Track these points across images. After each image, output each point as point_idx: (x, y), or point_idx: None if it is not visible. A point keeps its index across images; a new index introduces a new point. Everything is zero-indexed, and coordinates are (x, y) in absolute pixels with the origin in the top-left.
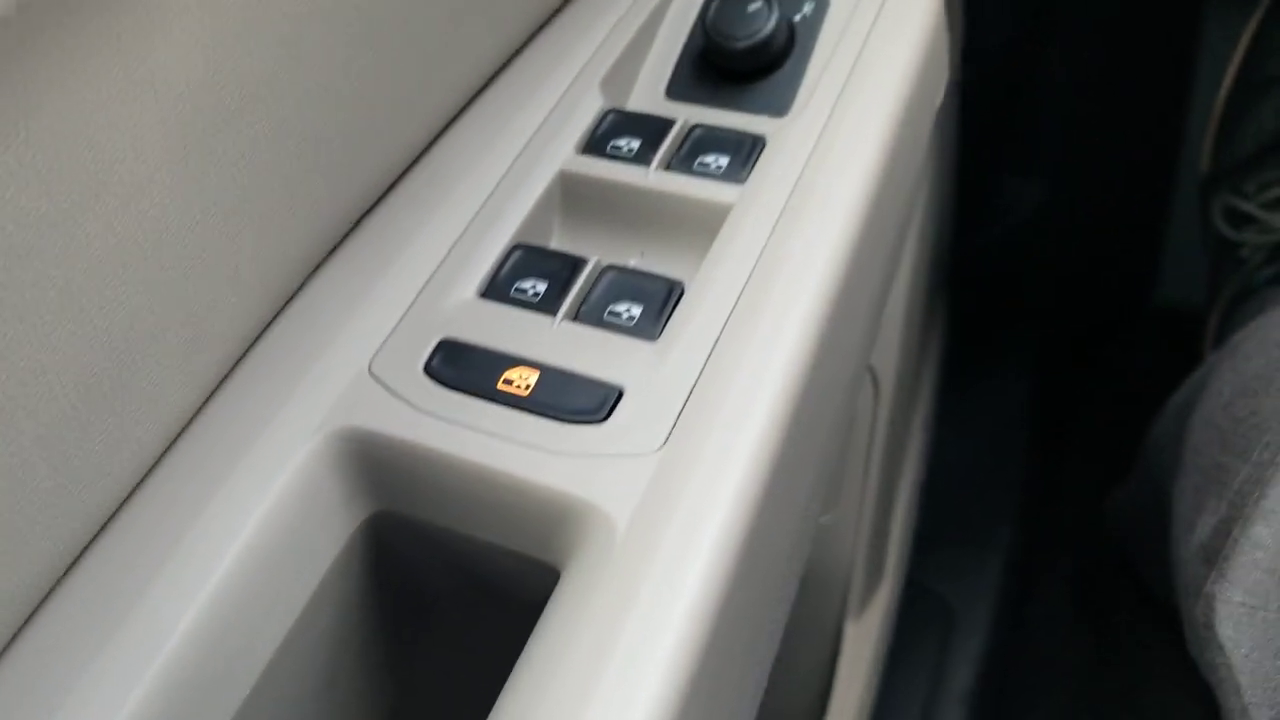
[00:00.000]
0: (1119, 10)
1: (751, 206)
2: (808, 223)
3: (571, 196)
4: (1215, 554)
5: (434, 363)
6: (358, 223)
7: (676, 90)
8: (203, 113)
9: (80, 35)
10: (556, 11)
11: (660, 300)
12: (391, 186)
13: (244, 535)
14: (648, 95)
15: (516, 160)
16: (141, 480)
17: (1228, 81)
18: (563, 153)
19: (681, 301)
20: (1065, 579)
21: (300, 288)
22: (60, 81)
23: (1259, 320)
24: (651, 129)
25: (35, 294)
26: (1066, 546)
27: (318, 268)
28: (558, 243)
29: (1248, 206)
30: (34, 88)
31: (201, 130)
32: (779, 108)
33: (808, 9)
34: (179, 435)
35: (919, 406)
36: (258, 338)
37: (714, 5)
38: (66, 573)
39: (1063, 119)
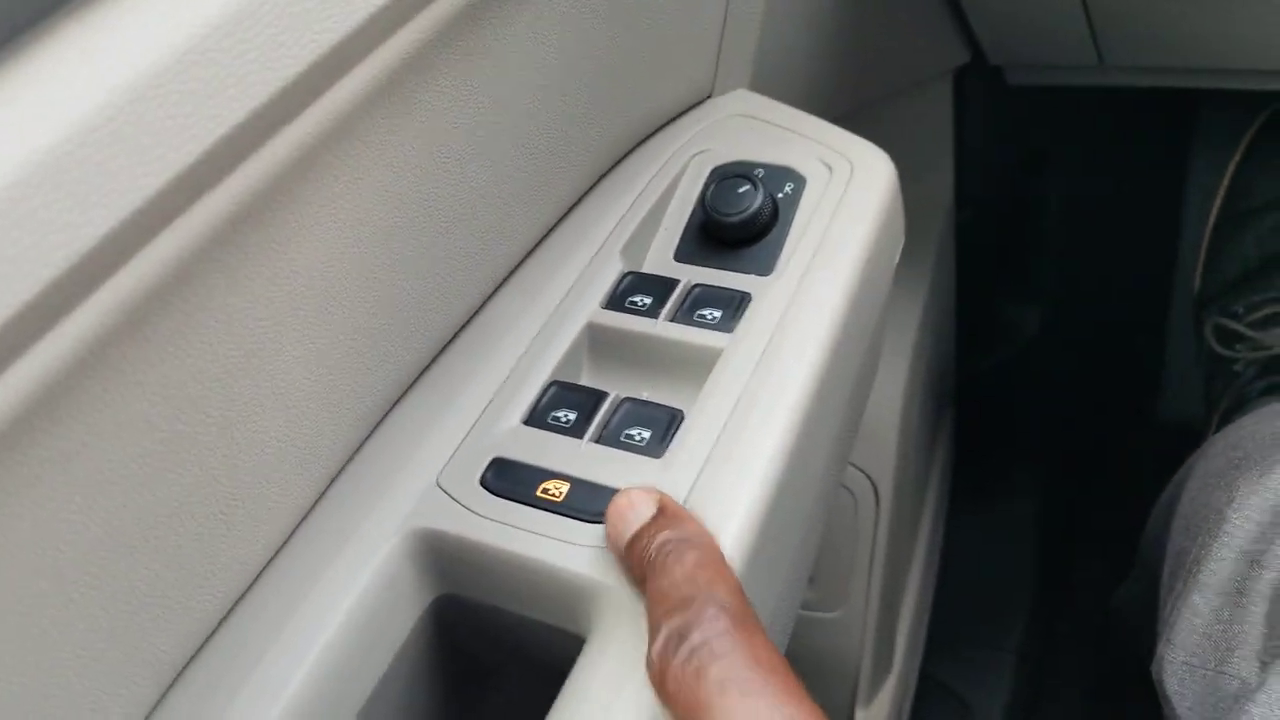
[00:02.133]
0: (1110, 148)
1: (738, 350)
2: (782, 363)
3: (597, 342)
4: (1166, 623)
5: (488, 476)
6: (428, 367)
7: (683, 254)
8: (322, 297)
9: (243, 246)
10: (583, 195)
11: (664, 425)
12: (454, 337)
13: (338, 617)
14: (659, 258)
15: (553, 314)
16: (261, 571)
17: (1214, 213)
18: (590, 308)
19: (681, 427)
20: (1080, 677)
21: (383, 418)
22: (223, 289)
23: (1234, 423)
24: (661, 287)
25: (200, 427)
26: (1081, 645)
27: (397, 402)
28: (586, 379)
29: (1238, 326)
30: (197, 294)
31: (320, 310)
32: (764, 268)
33: (789, 188)
34: (291, 535)
35: (926, 514)
36: (351, 457)
37: (712, 187)
38: (197, 652)
39: (1059, 248)
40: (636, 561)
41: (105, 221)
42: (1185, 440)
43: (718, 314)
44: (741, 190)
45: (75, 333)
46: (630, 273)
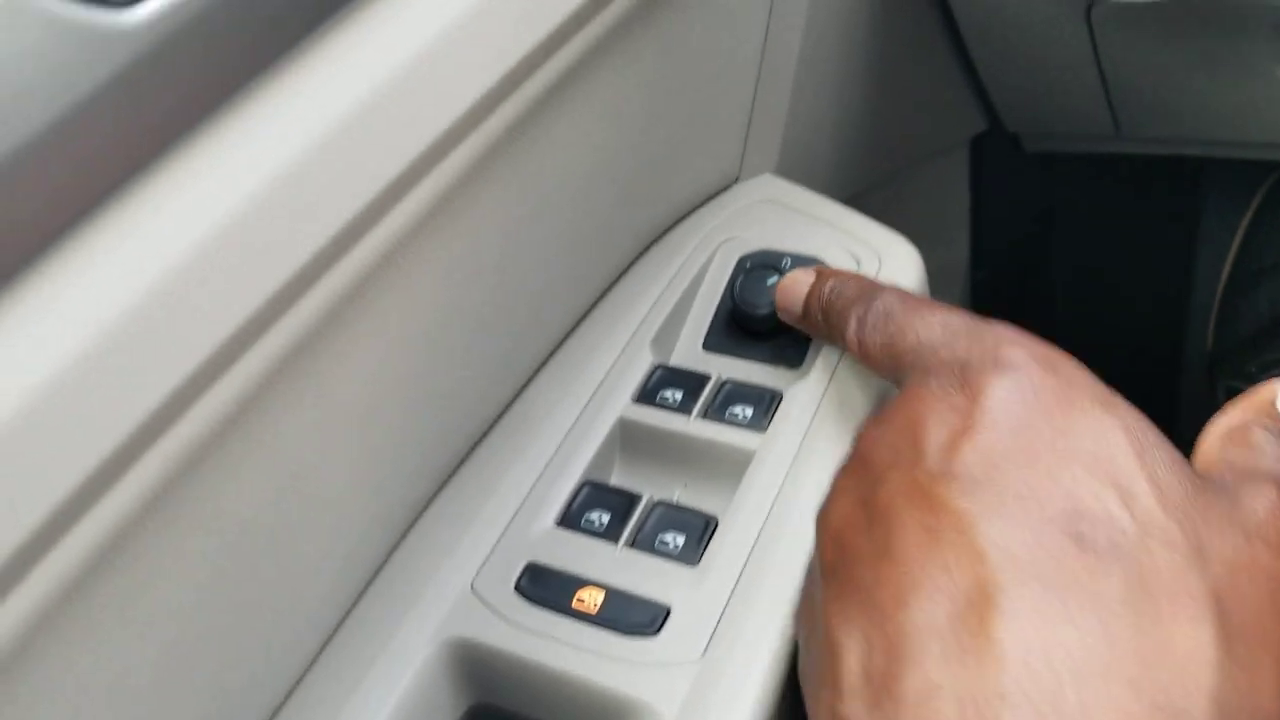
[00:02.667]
0: (1121, 204)
1: (771, 452)
2: (815, 468)
3: (629, 439)
4: None
5: (522, 582)
6: (462, 463)
7: (711, 343)
8: (366, 410)
9: (293, 375)
10: (611, 285)
11: (699, 531)
12: (487, 432)
13: None
14: (688, 349)
15: (585, 409)
16: (299, 679)
17: (1226, 270)
18: (622, 402)
19: (716, 533)
20: None
21: (417, 518)
22: (274, 418)
23: None
24: (692, 382)
25: (250, 550)
26: None
27: (430, 502)
28: (618, 478)
29: (1249, 389)
30: (251, 427)
31: (363, 423)
32: (793, 361)
33: None
34: (328, 641)
35: None
36: (387, 558)
37: (740, 278)
38: None
39: (1071, 304)
40: (815, 313)
41: (175, 377)
42: None
43: (749, 411)
44: (770, 282)
45: (139, 479)
46: (661, 366)
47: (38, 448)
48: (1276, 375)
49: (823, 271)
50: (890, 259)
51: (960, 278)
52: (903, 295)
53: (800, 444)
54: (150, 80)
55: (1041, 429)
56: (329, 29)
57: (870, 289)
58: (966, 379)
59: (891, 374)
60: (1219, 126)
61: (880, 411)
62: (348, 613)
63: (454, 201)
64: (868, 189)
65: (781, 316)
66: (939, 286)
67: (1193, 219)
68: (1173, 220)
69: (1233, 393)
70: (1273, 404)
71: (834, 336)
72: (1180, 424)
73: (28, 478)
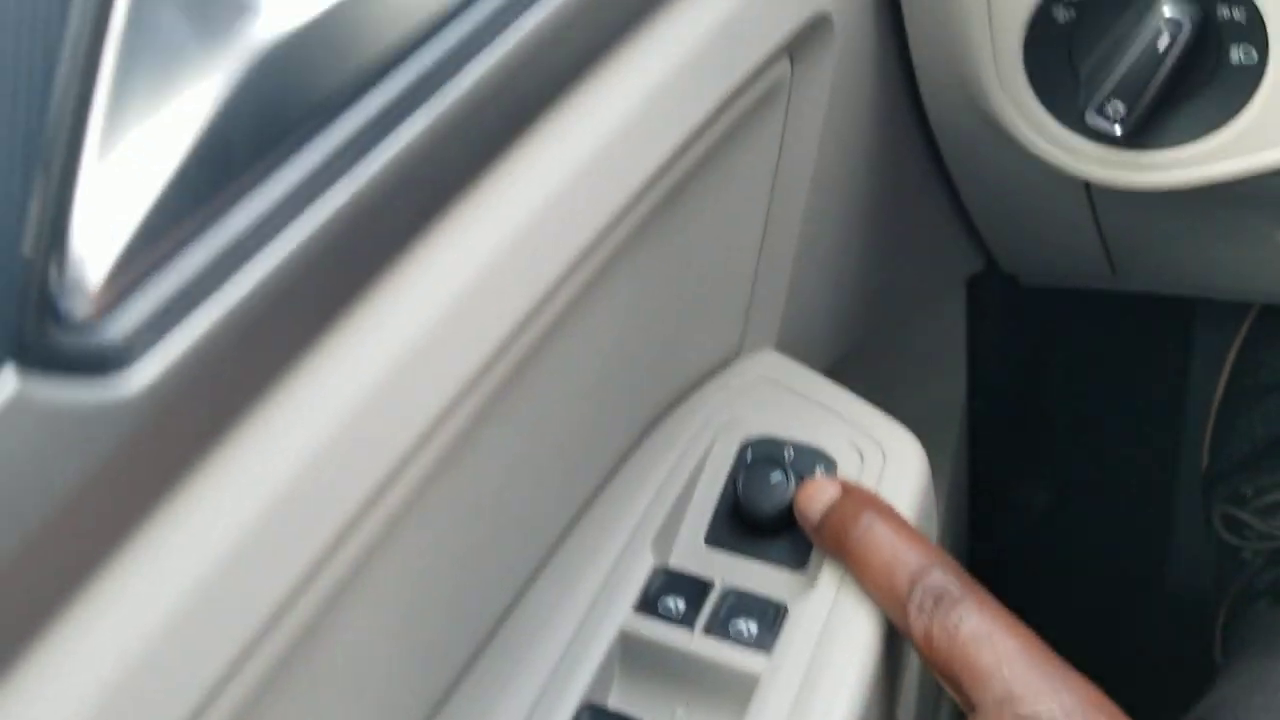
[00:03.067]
0: (1115, 323)
1: (777, 678)
2: (823, 699)
3: (629, 654)
4: None
5: None
6: (451, 692)
7: (714, 538)
8: (346, 675)
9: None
10: (608, 479)
11: None
12: (476, 656)
13: None
14: (690, 545)
15: (583, 623)
16: None
17: (1219, 390)
18: (622, 613)
19: None
20: None
21: None
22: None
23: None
24: (694, 589)
25: None
26: None
27: None
28: (616, 697)
29: (1244, 514)
30: None
31: (356, 685)
32: (799, 562)
33: (820, 471)
34: None
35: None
36: None
37: (742, 473)
38: None
39: (1068, 427)
40: (831, 534)
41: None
42: (1194, 619)
43: (754, 628)
44: (775, 481)
45: None
46: (662, 569)
47: None
48: (1270, 498)
49: (849, 491)
50: (895, 457)
51: (958, 410)
52: (976, 593)
53: (807, 670)
54: (149, 442)
55: None
56: (341, 321)
57: (929, 563)
58: None
59: (952, 676)
60: (1217, 278)
61: None
62: None
63: (456, 455)
64: (868, 338)
65: (799, 519)
66: (938, 420)
67: (1186, 341)
68: (1166, 344)
69: (1229, 520)
70: None
71: (881, 600)
72: (1175, 548)
73: None
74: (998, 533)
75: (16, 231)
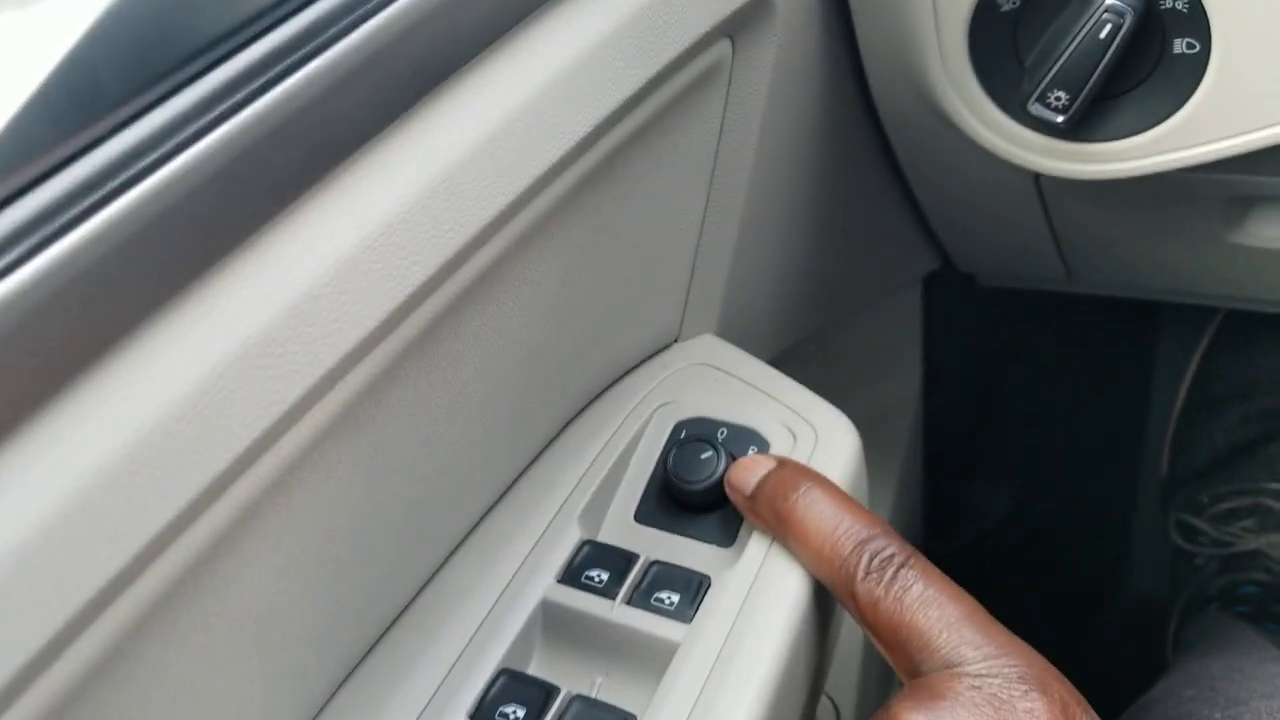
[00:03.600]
0: (1077, 330)
1: (695, 646)
2: (740, 668)
3: (551, 622)
4: None
5: None
6: (373, 648)
7: (643, 514)
8: (260, 623)
9: (175, 606)
10: (538, 455)
11: None
12: (402, 612)
13: None
14: (619, 519)
15: (506, 589)
16: None
17: (1180, 399)
18: (545, 582)
19: None
20: None
21: (319, 713)
22: (156, 648)
23: (1187, 661)
24: (619, 561)
25: None
26: None
27: (334, 694)
28: (537, 664)
29: (1199, 522)
30: (134, 656)
31: (256, 635)
32: (725, 538)
33: (752, 451)
34: None
35: None
36: None
37: (674, 450)
38: None
39: (1026, 430)
40: (766, 502)
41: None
42: (1150, 623)
43: (675, 598)
44: (704, 456)
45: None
46: (588, 542)
47: None
48: (1226, 505)
49: (785, 463)
50: (826, 433)
51: (913, 409)
52: (920, 560)
53: (725, 640)
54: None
55: None
56: (233, 256)
57: (873, 531)
58: (1022, 708)
59: (897, 641)
60: (1168, 280)
61: (926, 699)
62: None
63: (358, 412)
64: (818, 330)
65: (729, 494)
66: (892, 417)
67: (1149, 348)
68: (1129, 349)
69: (1183, 526)
70: None
71: (819, 569)
72: (1133, 555)
73: None
74: (954, 533)
75: None
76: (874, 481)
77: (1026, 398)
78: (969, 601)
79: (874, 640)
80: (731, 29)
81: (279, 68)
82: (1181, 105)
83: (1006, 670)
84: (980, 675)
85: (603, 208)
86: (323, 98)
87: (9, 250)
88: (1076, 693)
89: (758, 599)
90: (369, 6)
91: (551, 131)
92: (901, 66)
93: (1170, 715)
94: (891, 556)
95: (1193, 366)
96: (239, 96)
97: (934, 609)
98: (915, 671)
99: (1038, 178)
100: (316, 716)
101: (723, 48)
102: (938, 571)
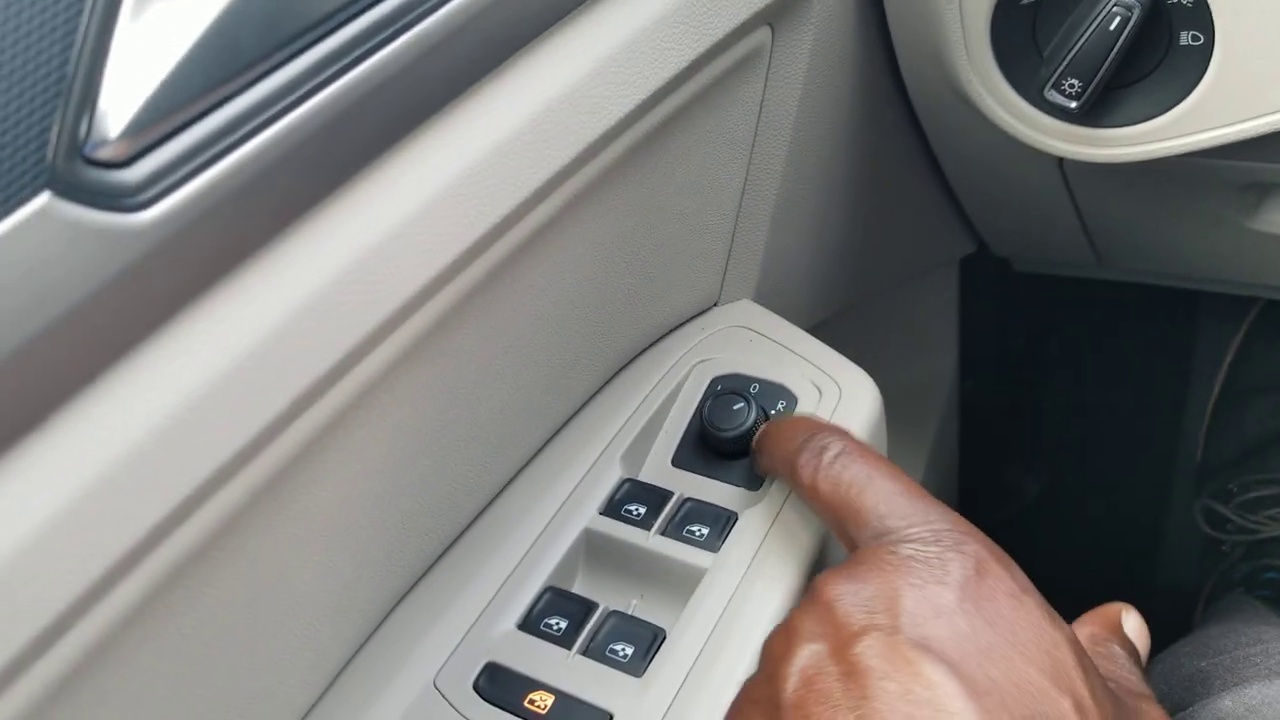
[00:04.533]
0: (1116, 318)
1: (721, 571)
2: (760, 590)
3: (593, 549)
4: None
5: (480, 681)
6: (431, 566)
7: (680, 459)
8: (338, 525)
9: (273, 494)
10: (586, 402)
11: (647, 643)
12: (459, 537)
13: None
14: (658, 463)
15: (553, 519)
16: None
17: (1216, 388)
18: (588, 514)
19: (663, 646)
20: None
21: (386, 617)
22: (255, 532)
23: (1197, 631)
24: (656, 498)
25: (227, 649)
26: None
27: (400, 601)
28: (581, 585)
29: (1226, 510)
30: (233, 540)
31: (334, 536)
32: (754, 483)
33: (781, 405)
34: None
35: None
36: (354, 655)
37: (709, 402)
38: None
39: (1062, 414)
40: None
41: (172, 498)
42: (1182, 609)
43: (705, 531)
44: (737, 407)
45: (127, 593)
46: (628, 480)
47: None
48: (1254, 494)
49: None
50: (850, 390)
51: (948, 386)
52: (859, 446)
53: (749, 566)
54: (157, 268)
55: (1001, 625)
56: (328, 203)
57: (822, 428)
58: (935, 565)
59: (837, 521)
60: (1195, 266)
61: (847, 567)
62: (317, 701)
63: (428, 342)
64: (854, 305)
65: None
66: (926, 392)
67: (1188, 337)
68: (1167, 338)
69: (1209, 512)
70: (1119, 624)
71: (778, 467)
72: (1165, 541)
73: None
74: (987, 514)
75: (57, 89)
76: (906, 455)
77: (1062, 382)
78: (902, 478)
79: (823, 520)
80: (771, 17)
81: (376, 39)
82: (1188, 93)
83: (926, 533)
84: (900, 541)
85: (650, 177)
86: (415, 64)
87: (195, 158)
88: (997, 550)
89: (777, 534)
90: None
91: (605, 102)
92: (930, 54)
93: (1163, 667)
94: (830, 444)
95: (1229, 356)
96: (343, 64)
97: (867, 488)
98: (854, 547)
99: (1061, 163)
100: (383, 620)
101: (763, 34)
102: (875, 454)
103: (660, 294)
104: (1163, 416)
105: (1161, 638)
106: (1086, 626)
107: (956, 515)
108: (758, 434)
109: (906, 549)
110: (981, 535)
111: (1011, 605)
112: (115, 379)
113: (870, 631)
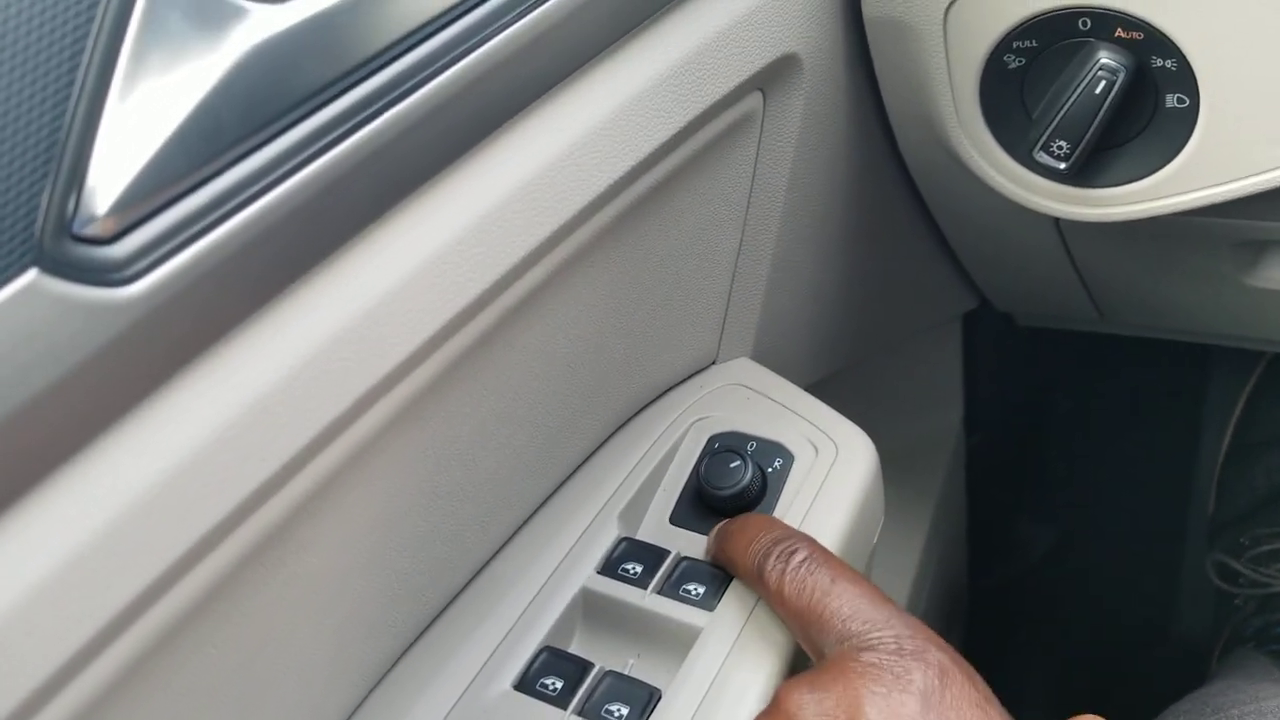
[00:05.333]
0: (1125, 370)
1: (716, 631)
2: (756, 649)
3: (590, 607)
4: None
5: None
6: (429, 626)
7: (678, 517)
8: (333, 586)
9: (261, 560)
10: (584, 460)
11: (642, 704)
12: (456, 596)
13: None
14: (656, 521)
15: (550, 578)
16: None
17: (1226, 441)
18: (585, 573)
19: (658, 706)
20: None
21: (383, 677)
22: (246, 595)
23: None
24: (652, 557)
25: (220, 712)
26: None
27: (397, 660)
28: (578, 644)
29: (1236, 564)
30: (225, 603)
31: (330, 597)
32: None
33: (778, 463)
34: None
35: None
36: (350, 717)
37: (706, 460)
38: None
39: (1073, 467)
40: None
41: (164, 560)
42: (1197, 663)
43: (701, 590)
44: (733, 465)
45: (114, 658)
46: (625, 539)
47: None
48: (1265, 548)
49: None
50: (846, 448)
51: (954, 441)
52: (823, 553)
53: (743, 627)
54: (143, 340)
55: None
56: (314, 274)
57: (788, 534)
58: (898, 673)
59: (802, 628)
60: (1196, 322)
61: (810, 675)
62: None
63: (420, 406)
64: (855, 362)
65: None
66: (932, 449)
67: (1198, 389)
68: (1176, 389)
69: (1221, 566)
70: None
71: (741, 571)
72: (1179, 596)
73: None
74: (998, 569)
75: (46, 168)
76: (912, 511)
77: (1070, 436)
78: (866, 585)
79: (788, 625)
80: (762, 83)
81: (361, 116)
82: (1175, 155)
83: (888, 641)
84: (864, 649)
85: (645, 239)
86: (400, 139)
87: (180, 233)
88: (959, 659)
89: None
90: (443, 61)
91: (595, 169)
92: (921, 116)
93: None
94: (795, 550)
95: (1238, 410)
96: (326, 140)
97: (831, 593)
98: (819, 654)
99: (1058, 221)
100: (379, 682)
101: (754, 99)
102: (840, 562)
103: (657, 354)
104: (1173, 469)
105: (1175, 692)
106: None
107: (919, 622)
108: (716, 531)
109: (870, 656)
110: (943, 643)
111: (975, 716)
112: (103, 447)
113: None
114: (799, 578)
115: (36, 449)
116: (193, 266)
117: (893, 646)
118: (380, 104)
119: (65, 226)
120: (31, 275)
